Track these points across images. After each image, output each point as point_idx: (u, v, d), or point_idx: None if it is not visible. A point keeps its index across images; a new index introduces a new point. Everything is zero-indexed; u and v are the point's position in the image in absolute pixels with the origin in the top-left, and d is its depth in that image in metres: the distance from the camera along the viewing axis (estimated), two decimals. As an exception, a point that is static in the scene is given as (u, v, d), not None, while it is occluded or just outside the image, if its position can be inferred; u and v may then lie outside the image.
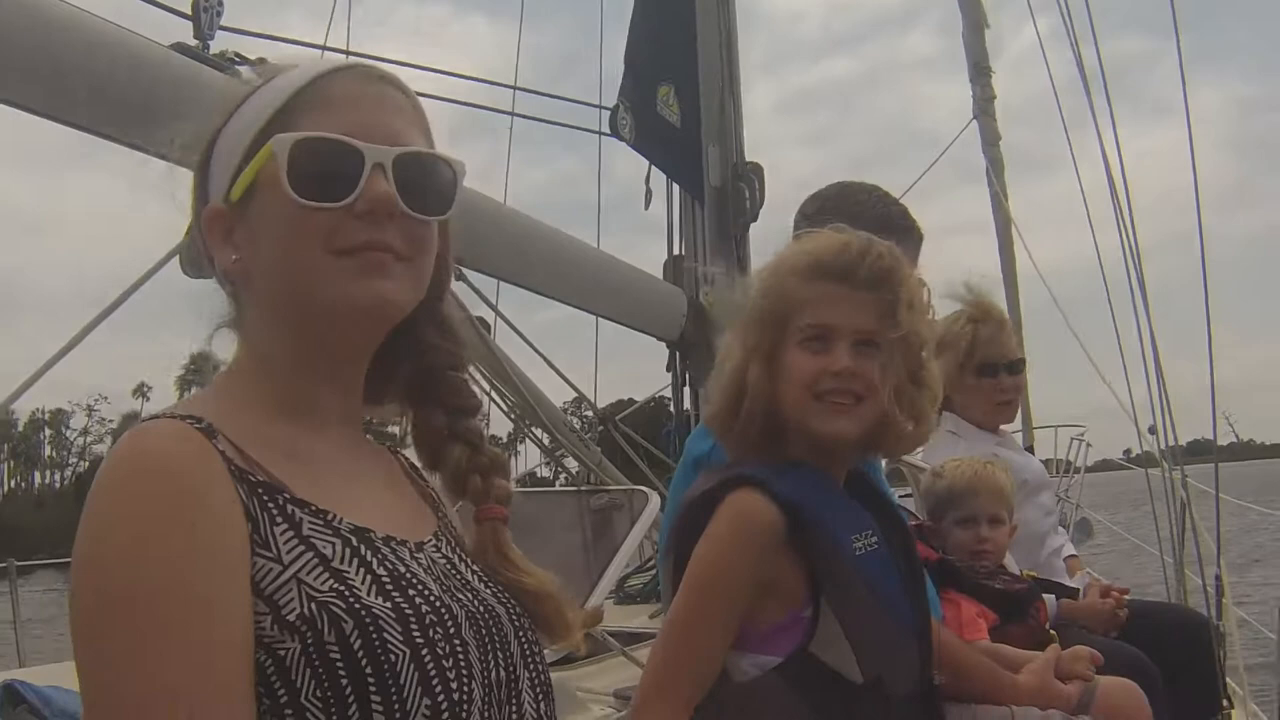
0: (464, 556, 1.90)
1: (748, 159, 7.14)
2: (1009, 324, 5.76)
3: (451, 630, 1.69)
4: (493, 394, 5.34)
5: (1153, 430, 7.63)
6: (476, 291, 5.08)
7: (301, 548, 1.62)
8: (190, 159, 1.87)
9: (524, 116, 8.20)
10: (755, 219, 7.12)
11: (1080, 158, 8.39)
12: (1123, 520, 13.01)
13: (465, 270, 4.94)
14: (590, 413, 7.32)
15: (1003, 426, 5.87)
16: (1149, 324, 6.87)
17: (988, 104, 12.34)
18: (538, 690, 1.86)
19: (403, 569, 1.71)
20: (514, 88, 8.18)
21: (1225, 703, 5.47)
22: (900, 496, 6.41)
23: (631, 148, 6.92)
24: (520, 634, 1.85)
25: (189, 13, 4.39)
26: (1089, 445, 12.70)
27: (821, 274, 2.78)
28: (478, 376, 5.18)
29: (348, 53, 7.51)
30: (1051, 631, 4.16)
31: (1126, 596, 5.16)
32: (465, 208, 4.58)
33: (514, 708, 1.79)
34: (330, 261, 1.72)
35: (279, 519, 1.63)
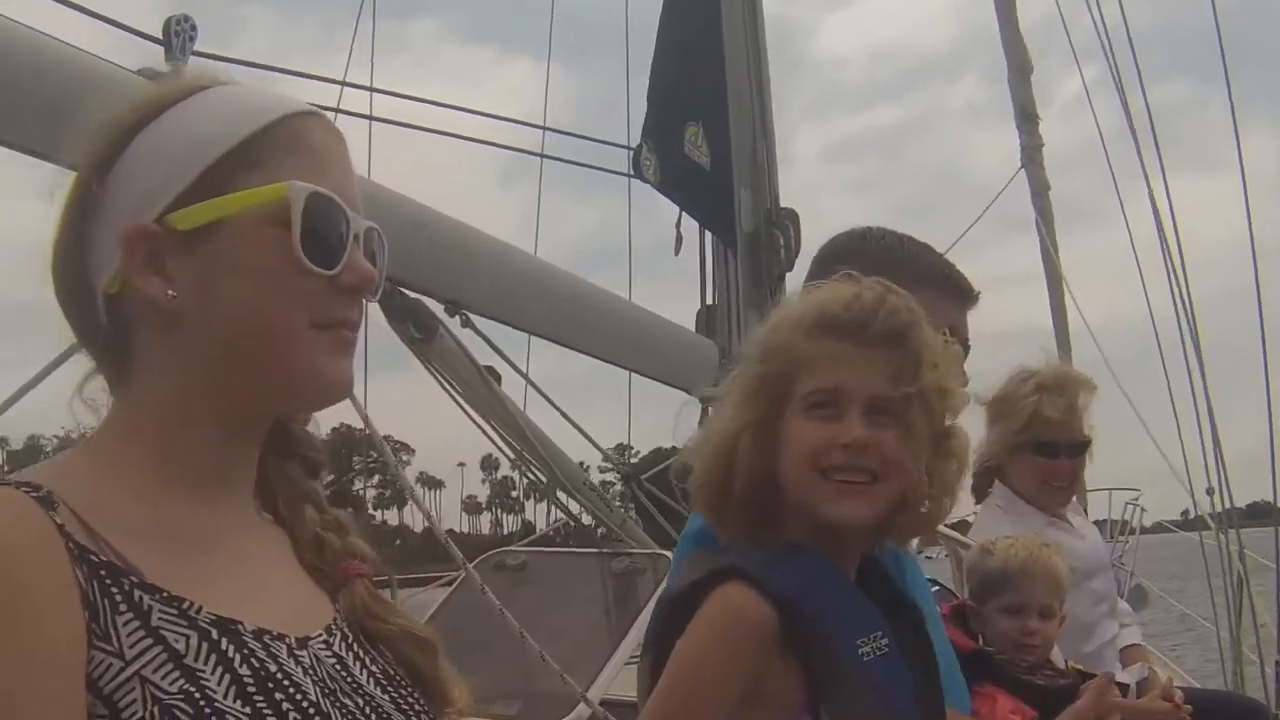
0: (365, 654, 1.67)
1: (784, 204, 6.82)
2: (1080, 401, 5.26)
3: None
4: (503, 448, 5.03)
5: (1210, 492, 7.37)
6: (485, 340, 4.82)
7: (149, 641, 1.39)
8: (82, 155, 1.63)
9: (553, 158, 7.88)
10: (790, 268, 6.78)
11: (1131, 209, 8.06)
12: (1179, 590, 12.61)
13: (473, 317, 4.72)
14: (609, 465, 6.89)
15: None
16: (1203, 381, 6.60)
17: (1035, 152, 11.99)
18: None
19: (273, 668, 1.47)
20: (543, 128, 7.90)
21: None
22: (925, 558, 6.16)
23: (656, 189, 6.57)
24: None
25: (160, 36, 4.11)
26: (1144, 510, 12.37)
27: (829, 330, 2.39)
28: (488, 429, 4.93)
29: (370, 90, 7.24)
30: None
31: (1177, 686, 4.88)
32: (486, 254, 4.32)
33: None
34: (310, 334, 1.58)
35: (123, 607, 1.41)
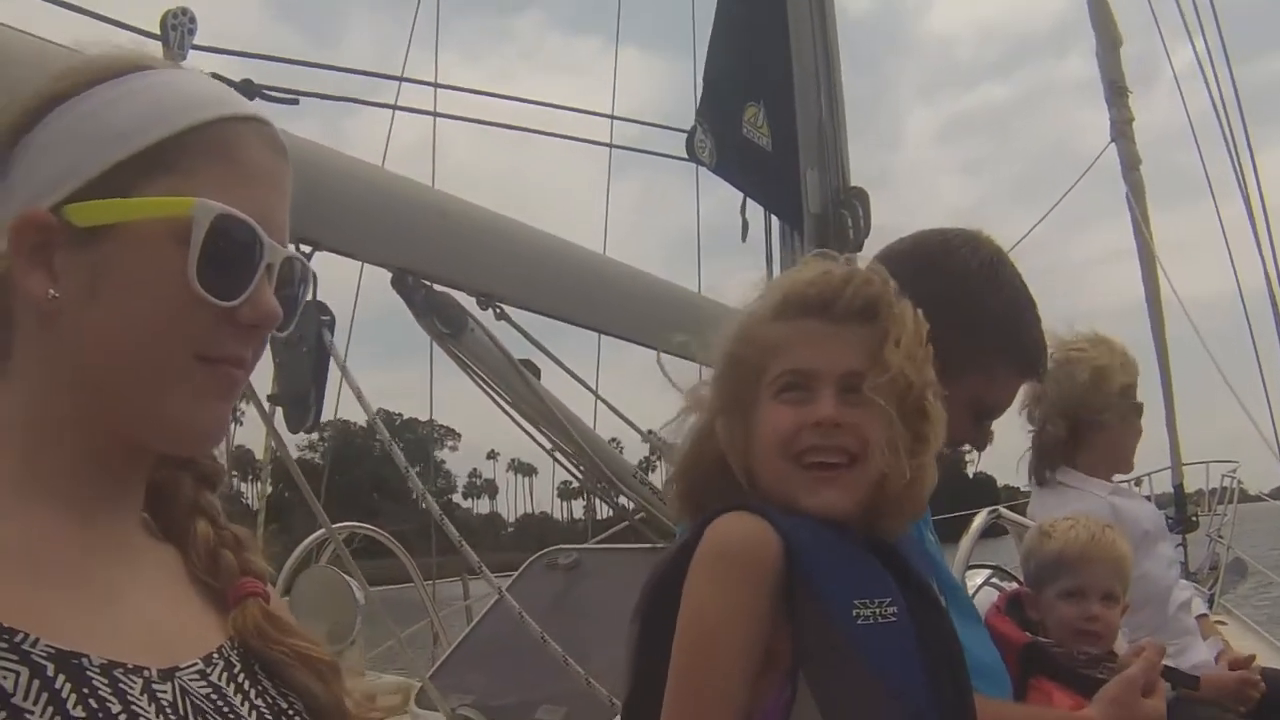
0: (254, 684, 1.53)
1: (871, 184, 6.65)
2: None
3: None
4: (540, 439, 4.85)
5: None
6: (522, 332, 4.64)
7: None
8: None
9: (620, 147, 7.74)
10: (860, 248, 6.42)
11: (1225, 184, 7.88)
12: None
13: (507, 309, 4.56)
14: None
15: (1116, 476, 5.28)
16: None
17: (1125, 126, 11.79)
18: None
19: (115, 708, 1.31)
20: (610, 116, 7.72)
21: None
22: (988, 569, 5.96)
23: (712, 172, 6.37)
24: None
25: (157, 32, 3.96)
26: (1241, 482, 12.19)
27: (797, 309, 2.22)
28: (526, 425, 4.76)
29: (435, 85, 7.09)
30: None
31: (1259, 664, 4.69)
32: (520, 243, 4.17)
33: None
34: (190, 366, 1.46)
35: None
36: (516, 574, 5.96)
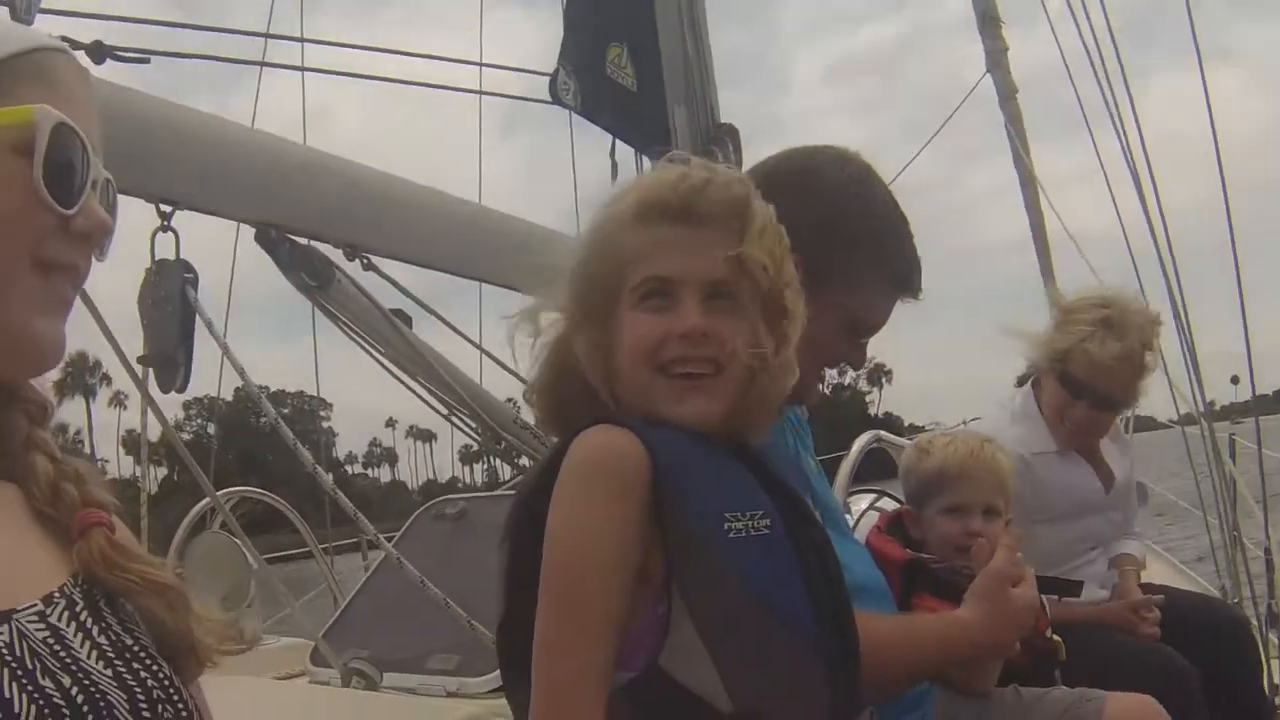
0: (97, 621, 1.50)
1: (723, 120, 6.51)
2: (1140, 358, 4.97)
3: None
4: (424, 395, 4.82)
5: (1235, 380, 7.33)
6: (392, 282, 4.62)
7: None
8: None
9: (489, 93, 7.65)
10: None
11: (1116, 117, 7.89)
12: (1175, 487, 12.55)
13: (375, 260, 4.53)
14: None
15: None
16: (1178, 284, 6.54)
17: (1000, 56, 11.84)
18: None
19: None
20: (479, 64, 7.66)
21: (1278, 697, 5.01)
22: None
23: (577, 113, 6.34)
24: None
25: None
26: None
27: (656, 215, 2.19)
28: (404, 377, 4.74)
29: (301, 40, 7.06)
30: (1054, 637, 3.53)
31: (1157, 590, 4.76)
32: (383, 193, 4.13)
33: None
34: (27, 275, 1.50)
35: None
36: (404, 528, 5.95)
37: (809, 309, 2.47)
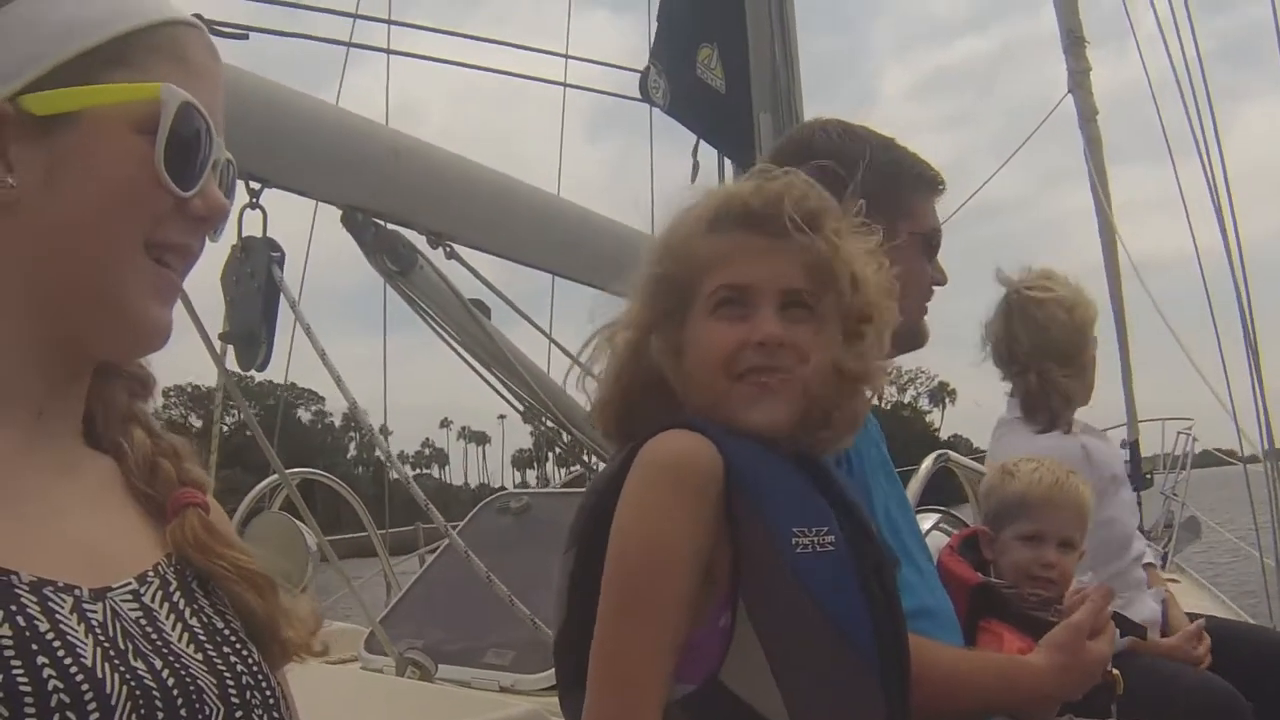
0: (190, 603, 1.51)
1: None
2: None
3: (94, 713, 1.27)
4: (497, 386, 4.81)
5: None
6: (472, 270, 4.61)
7: None
8: None
9: (575, 86, 7.67)
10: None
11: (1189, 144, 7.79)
12: (1233, 523, 12.48)
13: (458, 249, 4.51)
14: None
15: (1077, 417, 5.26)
16: (1251, 319, 6.47)
17: (1082, 77, 11.81)
18: None
19: (43, 626, 1.29)
20: (565, 56, 7.67)
21: None
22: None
23: (665, 112, 6.34)
24: (239, 712, 1.45)
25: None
26: (1195, 440, 12.24)
27: (735, 222, 2.17)
28: (479, 368, 4.72)
29: (389, 22, 7.04)
30: (1113, 670, 3.49)
31: (1209, 619, 4.71)
32: (471, 182, 4.12)
33: None
34: (141, 256, 1.48)
35: None
36: (466, 519, 5.93)
37: (894, 256, 2.53)
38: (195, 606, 1.50)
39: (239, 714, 1.43)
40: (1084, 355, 5.10)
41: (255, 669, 1.50)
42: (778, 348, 2.10)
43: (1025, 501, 3.77)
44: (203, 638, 1.47)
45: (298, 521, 5.75)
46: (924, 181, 3.28)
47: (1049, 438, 4.84)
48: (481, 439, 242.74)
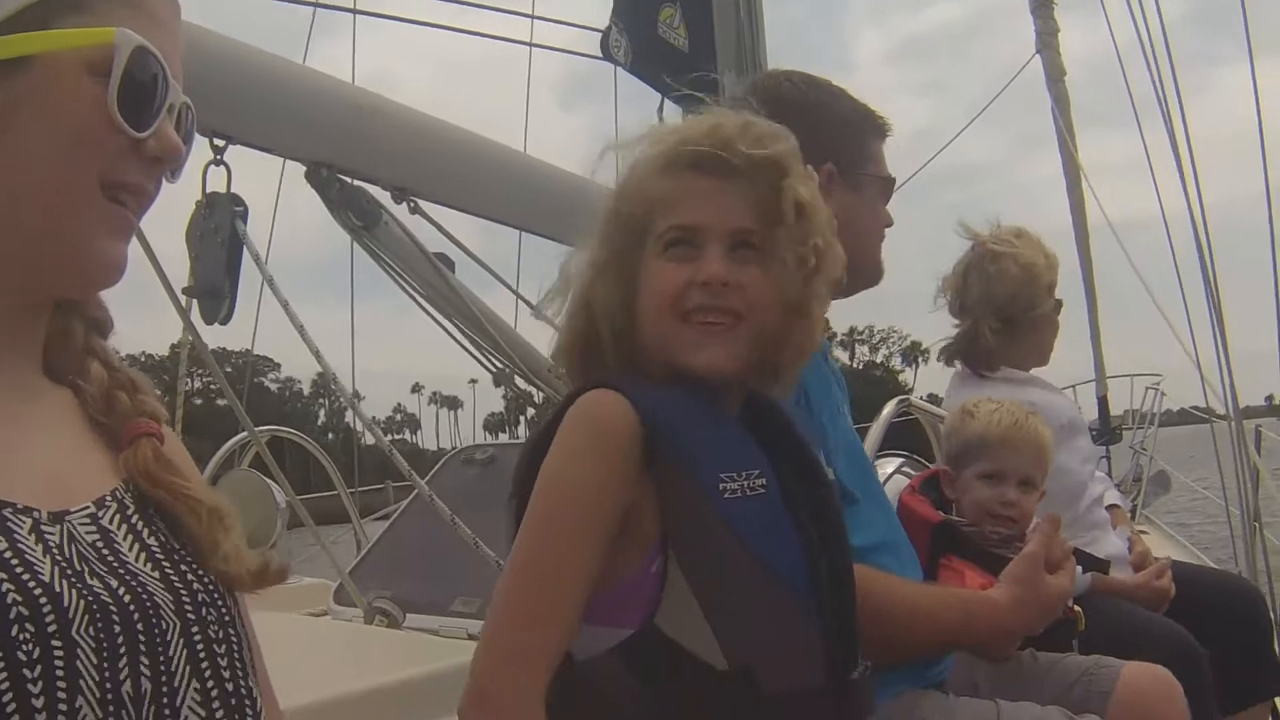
0: (147, 525, 1.58)
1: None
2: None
3: (51, 627, 1.33)
4: (460, 339, 4.83)
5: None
6: (436, 225, 4.63)
7: None
8: None
9: (540, 46, 7.66)
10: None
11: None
12: (1205, 480, 12.56)
13: (422, 203, 4.54)
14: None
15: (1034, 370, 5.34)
16: (1214, 279, 6.57)
17: (1050, 38, 11.90)
18: (215, 704, 1.51)
19: (1, 545, 1.35)
20: (530, 16, 7.66)
21: None
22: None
23: (627, 71, 6.35)
24: (195, 628, 1.51)
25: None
26: (1164, 395, 12.34)
27: (686, 163, 2.21)
28: (442, 321, 4.75)
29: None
30: (1075, 608, 3.56)
31: (1173, 563, 4.80)
32: (434, 138, 4.14)
33: None
34: (96, 195, 1.53)
35: None
36: (433, 470, 5.97)
37: (860, 198, 3.03)
38: (153, 528, 1.57)
39: (194, 629, 1.49)
40: (1033, 313, 5.17)
41: (211, 587, 1.57)
42: (723, 288, 2.15)
43: (985, 441, 3.86)
44: (160, 556, 1.53)
45: (267, 479, 5.77)
46: (879, 129, 3.42)
47: (995, 385, 4.92)
48: (453, 404, 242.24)
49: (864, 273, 3.29)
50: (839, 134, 3.31)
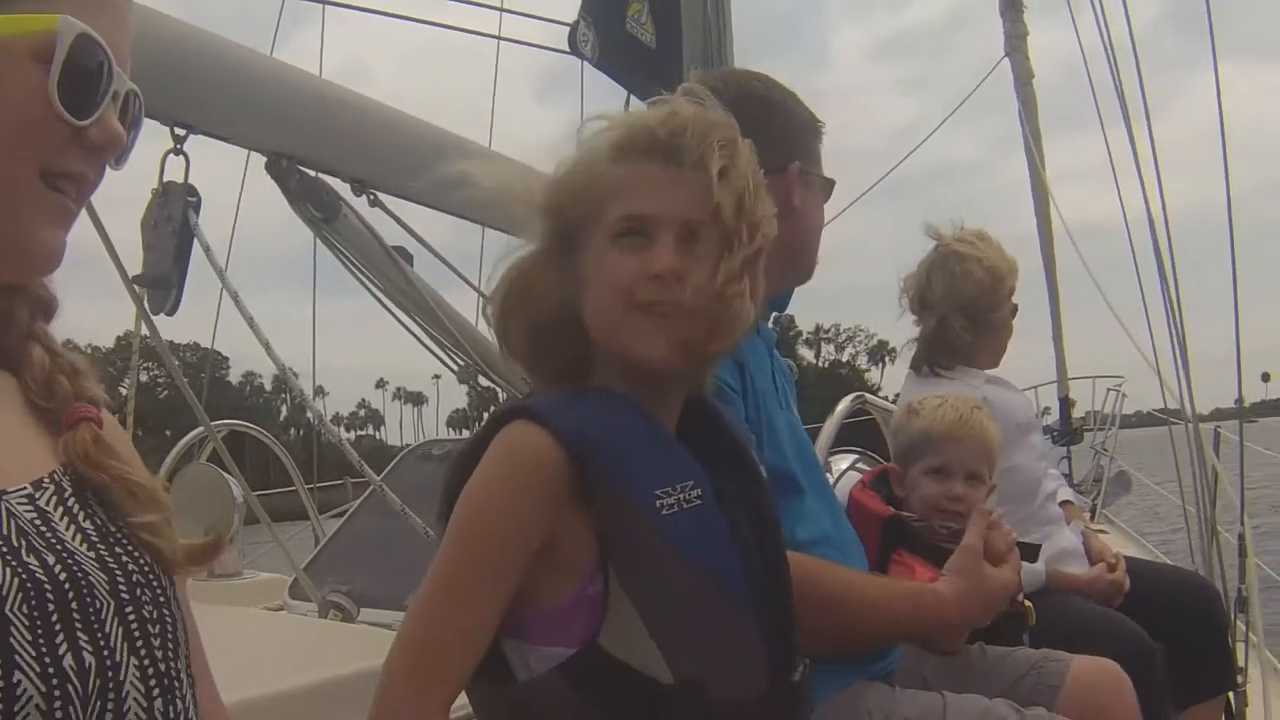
0: (85, 508, 1.57)
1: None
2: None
3: None
4: (418, 333, 4.81)
5: (1266, 377, 7.41)
6: (395, 218, 4.61)
7: None
8: None
9: (508, 40, 7.60)
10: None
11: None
12: (1163, 481, 12.66)
13: (382, 196, 4.52)
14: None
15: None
16: (1173, 283, 6.64)
17: (1019, 41, 12.00)
18: (151, 681, 1.50)
19: None
20: (499, 9, 7.64)
21: (1241, 676, 5.09)
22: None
23: (594, 66, 6.34)
24: (129, 608, 1.50)
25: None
26: (1125, 396, 12.45)
27: (638, 151, 2.16)
28: (400, 315, 4.72)
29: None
30: (1025, 602, 3.57)
31: (1127, 559, 4.83)
32: (397, 131, 4.11)
33: (106, 703, 1.42)
34: (36, 183, 1.53)
35: None
36: (390, 466, 5.97)
37: (809, 196, 3.10)
38: (89, 511, 1.56)
39: (129, 609, 1.48)
40: (994, 315, 5.22)
41: (146, 569, 1.56)
42: (675, 281, 2.10)
43: (930, 437, 3.88)
44: (95, 539, 1.52)
45: (226, 474, 5.76)
46: (820, 132, 3.42)
47: (950, 384, 4.94)
48: (418, 400, 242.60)
49: (805, 270, 3.38)
50: (800, 134, 3.35)
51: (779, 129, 2.79)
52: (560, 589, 2.06)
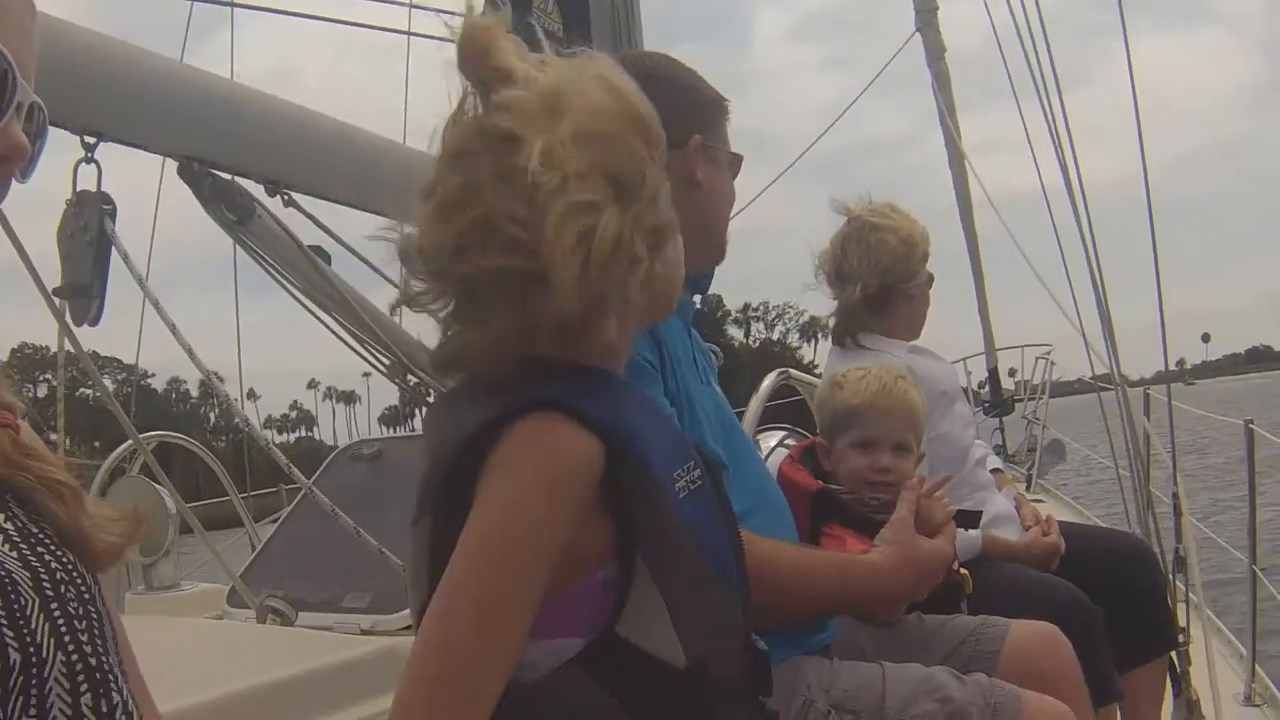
0: (10, 510, 1.58)
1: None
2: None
3: None
4: (339, 332, 4.77)
5: (1206, 338, 7.47)
6: (310, 217, 4.57)
7: None
8: None
9: (420, 35, 7.62)
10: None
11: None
12: (1095, 446, 12.78)
13: (296, 196, 4.49)
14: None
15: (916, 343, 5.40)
16: (1093, 250, 6.71)
17: (930, 15, 12.09)
18: (80, 677, 1.50)
19: None
20: (409, 5, 7.63)
21: (1183, 636, 5.14)
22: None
23: (504, 56, 6.28)
24: (54, 604, 1.50)
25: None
26: (1054, 364, 12.54)
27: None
28: (320, 314, 4.69)
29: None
30: (961, 570, 3.58)
31: (1063, 524, 4.88)
32: (306, 130, 4.09)
33: (29, 699, 1.42)
34: None
35: None
36: (320, 468, 5.95)
37: (719, 174, 3.24)
38: (10, 513, 1.56)
39: (54, 605, 1.49)
40: (909, 284, 5.25)
41: (70, 567, 1.56)
42: None
43: (854, 410, 3.89)
44: (17, 539, 1.52)
45: (158, 486, 5.73)
46: (727, 111, 3.47)
47: (873, 355, 4.97)
48: (350, 398, 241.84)
49: (716, 247, 3.40)
50: (701, 110, 3.39)
51: (677, 104, 2.81)
52: (569, 577, 1.98)
